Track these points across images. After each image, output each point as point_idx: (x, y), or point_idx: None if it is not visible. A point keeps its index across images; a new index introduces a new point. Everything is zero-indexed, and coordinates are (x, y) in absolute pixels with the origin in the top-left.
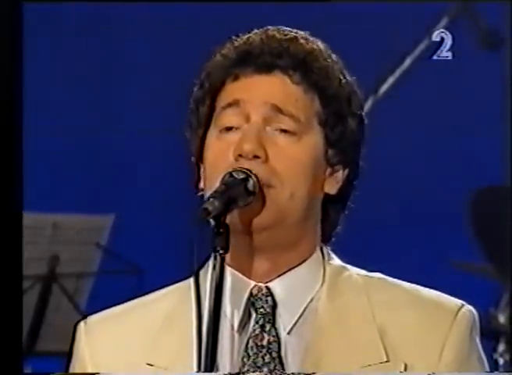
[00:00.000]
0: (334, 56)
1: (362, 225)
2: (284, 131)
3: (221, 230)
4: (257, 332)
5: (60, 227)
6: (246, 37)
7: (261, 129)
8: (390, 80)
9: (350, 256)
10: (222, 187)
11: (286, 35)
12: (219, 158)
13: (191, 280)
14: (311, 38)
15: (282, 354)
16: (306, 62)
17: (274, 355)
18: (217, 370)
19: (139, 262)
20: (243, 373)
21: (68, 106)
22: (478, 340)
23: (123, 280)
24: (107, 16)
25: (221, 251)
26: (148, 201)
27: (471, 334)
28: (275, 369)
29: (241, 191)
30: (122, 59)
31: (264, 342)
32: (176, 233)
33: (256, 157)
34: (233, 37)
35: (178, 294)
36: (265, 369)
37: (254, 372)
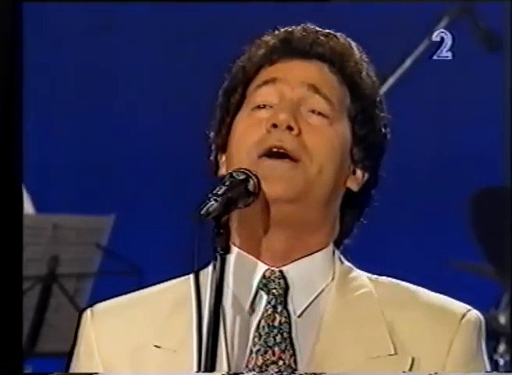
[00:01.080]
0: (365, 56)
1: (362, 224)
2: (317, 113)
3: (221, 231)
4: (269, 312)
5: (60, 228)
6: (286, 28)
7: (295, 107)
8: (390, 81)
9: (351, 256)
10: (222, 188)
11: (324, 30)
12: (249, 131)
13: (191, 280)
14: (344, 37)
15: (293, 335)
16: (344, 54)
17: (285, 335)
18: (227, 350)
19: (139, 262)
20: (244, 372)
21: (68, 106)
22: (483, 344)
23: (123, 280)
24: (107, 16)
25: (221, 252)
26: (148, 201)
27: (477, 337)
28: (286, 349)
29: (241, 191)
30: (123, 59)
31: (276, 322)
32: (176, 233)
33: (289, 128)
34: (270, 30)
35: (188, 283)
36: (276, 349)
37: (265, 352)
